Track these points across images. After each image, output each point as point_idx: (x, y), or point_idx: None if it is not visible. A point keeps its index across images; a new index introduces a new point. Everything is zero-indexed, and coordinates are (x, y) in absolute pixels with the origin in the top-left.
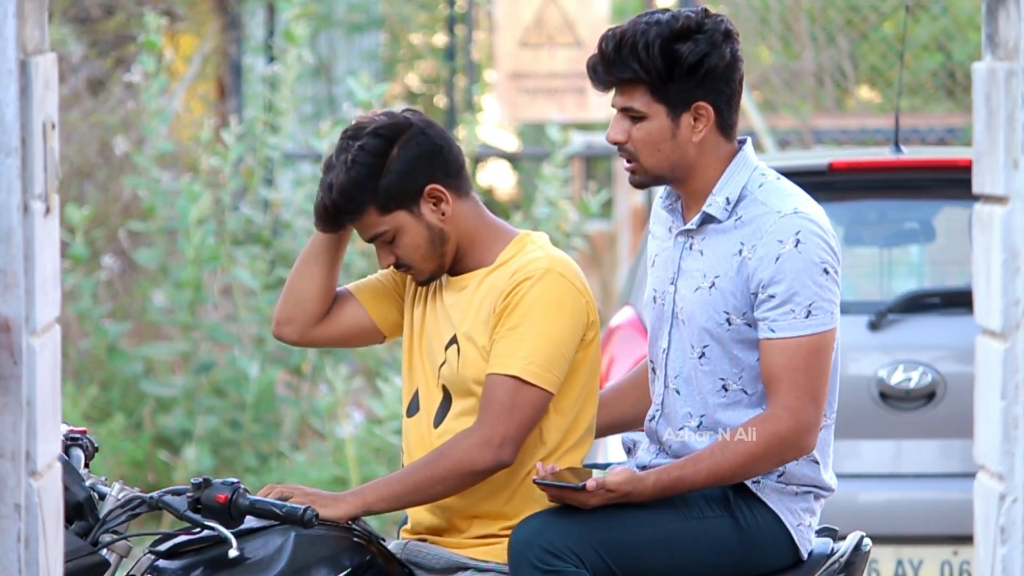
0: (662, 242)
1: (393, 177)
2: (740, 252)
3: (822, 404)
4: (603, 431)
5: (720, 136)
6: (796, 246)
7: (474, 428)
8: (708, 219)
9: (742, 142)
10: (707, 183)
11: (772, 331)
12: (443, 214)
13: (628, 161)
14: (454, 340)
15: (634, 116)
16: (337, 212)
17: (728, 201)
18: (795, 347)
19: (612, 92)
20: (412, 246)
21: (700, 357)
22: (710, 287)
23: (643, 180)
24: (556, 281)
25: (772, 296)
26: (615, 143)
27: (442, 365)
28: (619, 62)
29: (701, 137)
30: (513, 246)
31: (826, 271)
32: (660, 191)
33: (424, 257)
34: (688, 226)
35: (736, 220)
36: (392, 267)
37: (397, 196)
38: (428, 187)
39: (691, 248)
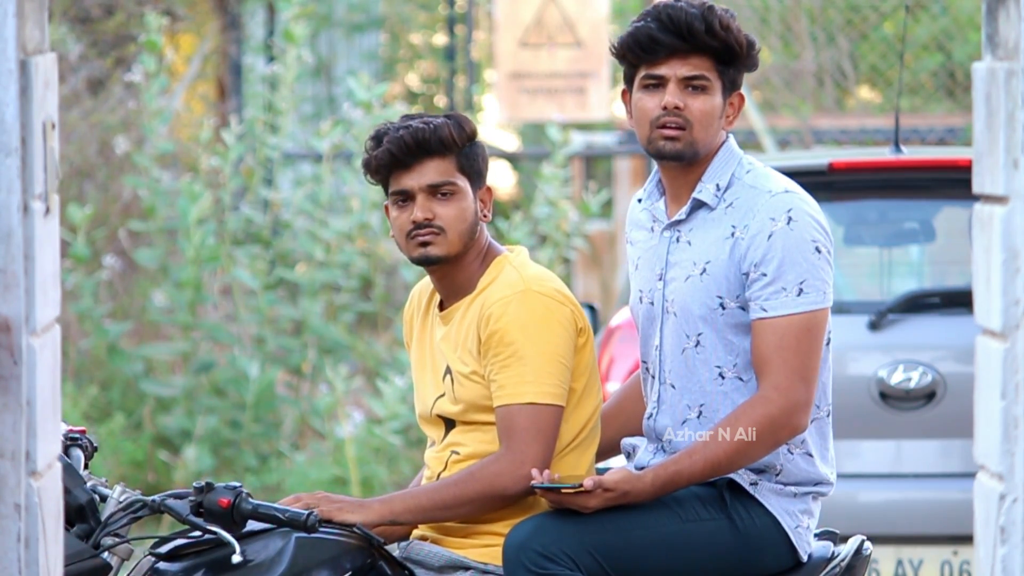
0: (644, 243)
1: (480, 153)
2: (732, 234)
3: (813, 383)
4: (611, 447)
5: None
6: (788, 223)
7: (504, 453)
8: (698, 206)
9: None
10: (701, 171)
11: (764, 310)
12: (485, 215)
13: (676, 128)
14: (448, 371)
15: (696, 87)
16: (427, 141)
17: (718, 188)
18: (786, 325)
19: (654, 66)
20: (461, 214)
21: (695, 346)
22: (701, 273)
23: (684, 151)
24: (533, 299)
25: (764, 274)
26: (675, 108)
27: (440, 397)
28: (707, 30)
29: (730, 125)
30: (492, 270)
31: (818, 249)
32: (638, 192)
33: (461, 233)
34: (677, 217)
35: (726, 206)
36: (416, 224)
37: (476, 169)
38: (487, 186)
39: (678, 240)
